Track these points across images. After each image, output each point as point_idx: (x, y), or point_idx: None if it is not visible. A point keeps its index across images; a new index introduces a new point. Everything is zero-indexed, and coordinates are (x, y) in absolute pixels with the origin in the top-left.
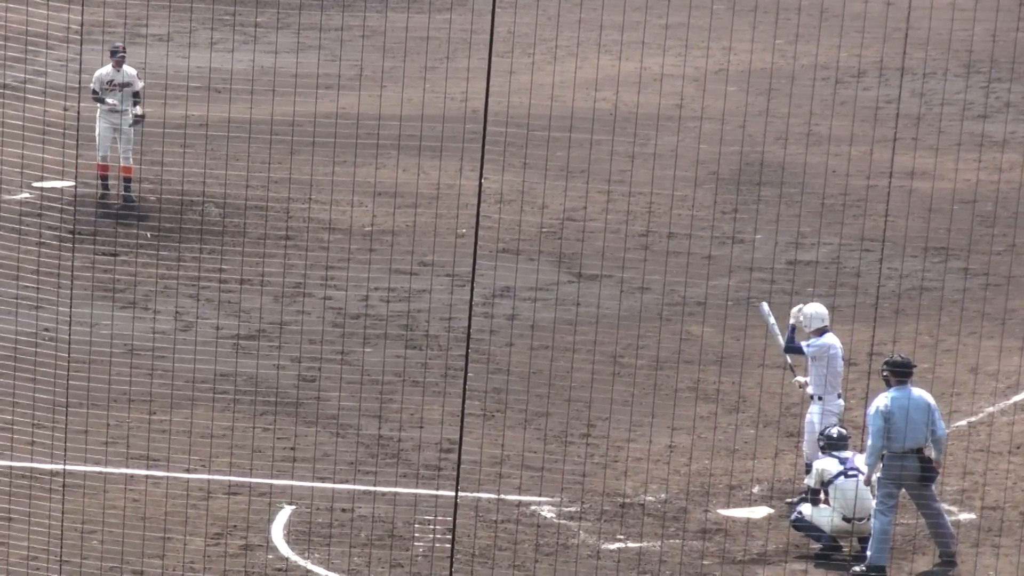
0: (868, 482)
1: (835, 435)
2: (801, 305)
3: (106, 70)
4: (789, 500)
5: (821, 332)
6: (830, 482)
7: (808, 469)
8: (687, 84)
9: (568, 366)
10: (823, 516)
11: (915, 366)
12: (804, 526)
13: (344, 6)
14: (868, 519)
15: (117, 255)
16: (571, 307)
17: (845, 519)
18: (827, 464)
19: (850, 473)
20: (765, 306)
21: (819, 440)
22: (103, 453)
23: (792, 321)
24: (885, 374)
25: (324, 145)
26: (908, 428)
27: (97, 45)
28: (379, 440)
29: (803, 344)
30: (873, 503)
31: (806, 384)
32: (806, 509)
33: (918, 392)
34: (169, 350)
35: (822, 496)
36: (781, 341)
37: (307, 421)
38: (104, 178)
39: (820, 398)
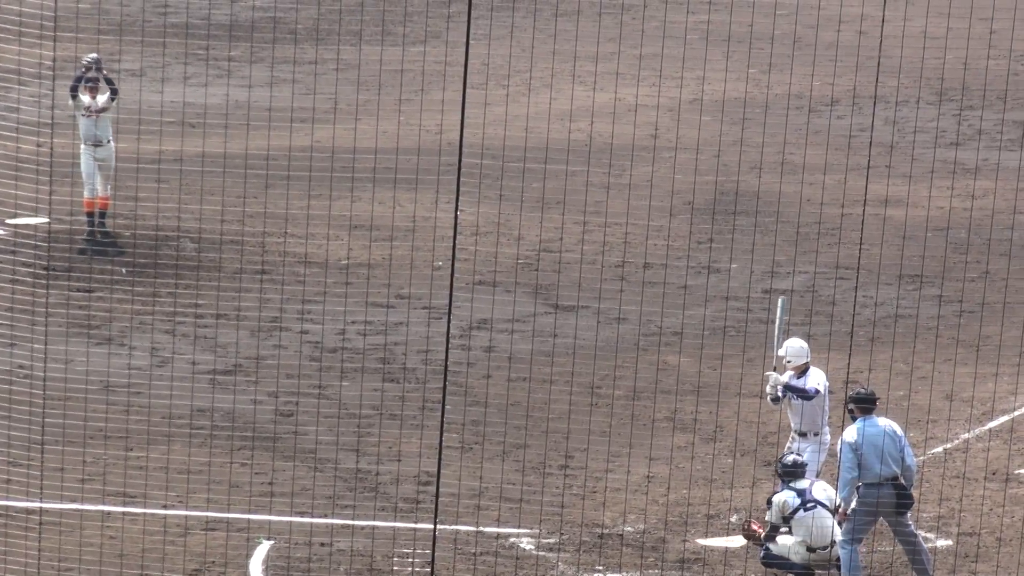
0: (844, 515)
1: (790, 463)
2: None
3: (85, 99)
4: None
5: (806, 367)
6: (791, 516)
7: (768, 504)
8: (662, 114)
9: (546, 397)
10: (788, 549)
11: (878, 398)
12: (774, 561)
13: (318, 39)
14: (831, 547)
15: (92, 291)
16: (548, 338)
17: (809, 549)
18: (786, 497)
19: (808, 506)
20: (783, 302)
21: (775, 466)
22: (80, 490)
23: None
24: (850, 407)
25: (299, 179)
26: (881, 458)
27: (69, 81)
28: (357, 474)
29: (800, 385)
30: (837, 532)
31: (777, 385)
32: (772, 545)
33: (884, 421)
34: (145, 386)
35: (783, 530)
36: (781, 341)
37: (285, 455)
38: (91, 215)
39: (815, 434)
